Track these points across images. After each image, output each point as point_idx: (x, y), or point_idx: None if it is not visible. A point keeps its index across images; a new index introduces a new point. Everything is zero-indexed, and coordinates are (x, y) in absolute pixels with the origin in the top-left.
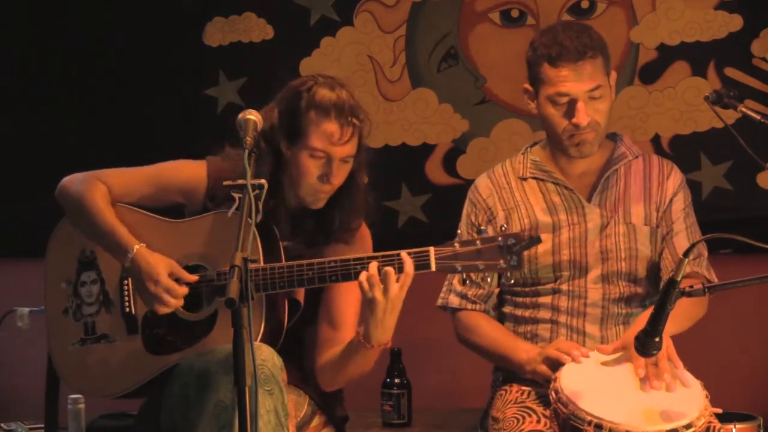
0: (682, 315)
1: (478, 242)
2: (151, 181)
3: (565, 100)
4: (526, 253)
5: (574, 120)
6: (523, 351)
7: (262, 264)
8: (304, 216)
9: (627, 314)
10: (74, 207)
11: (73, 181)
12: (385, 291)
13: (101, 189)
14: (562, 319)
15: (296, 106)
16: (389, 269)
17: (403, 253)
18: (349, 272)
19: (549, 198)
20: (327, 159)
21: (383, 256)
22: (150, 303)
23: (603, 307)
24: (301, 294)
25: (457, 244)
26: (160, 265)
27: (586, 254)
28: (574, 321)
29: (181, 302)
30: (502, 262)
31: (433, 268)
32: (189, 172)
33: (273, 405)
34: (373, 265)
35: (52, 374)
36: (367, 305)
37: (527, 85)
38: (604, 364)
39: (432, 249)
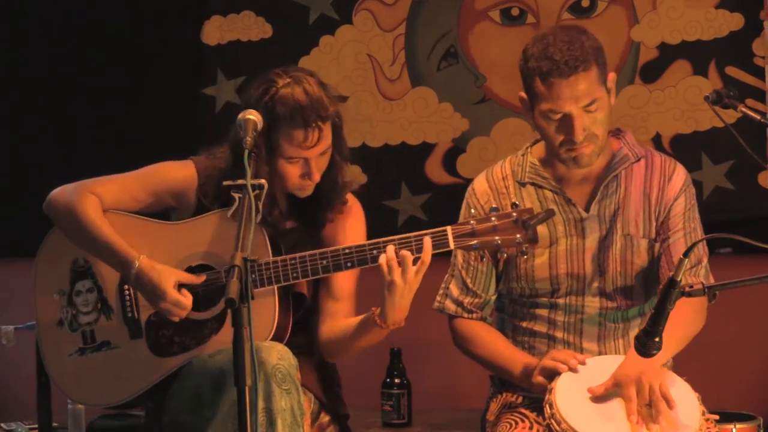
0: (677, 337)
1: (493, 218)
2: (141, 186)
3: (559, 116)
4: (522, 267)
5: (569, 137)
6: (521, 364)
7: (271, 258)
8: (294, 202)
9: (625, 327)
10: (66, 220)
11: (62, 193)
12: (403, 274)
13: (92, 200)
14: (559, 334)
15: (265, 122)
16: (406, 253)
17: (426, 240)
18: (365, 257)
19: (546, 206)
20: (304, 160)
21: (399, 239)
22: (162, 314)
23: (600, 324)
24: (304, 287)
25: (473, 221)
26: (165, 280)
27: (584, 267)
28: (571, 337)
29: (188, 310)
30: (518, 236)
31: (452, 246)
32: (179, 173)
33: (290, 404)
34: (391, 248)
35: (42, 378)
36: (386, 288)
37: (522, 94)
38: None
39: (449, 228)
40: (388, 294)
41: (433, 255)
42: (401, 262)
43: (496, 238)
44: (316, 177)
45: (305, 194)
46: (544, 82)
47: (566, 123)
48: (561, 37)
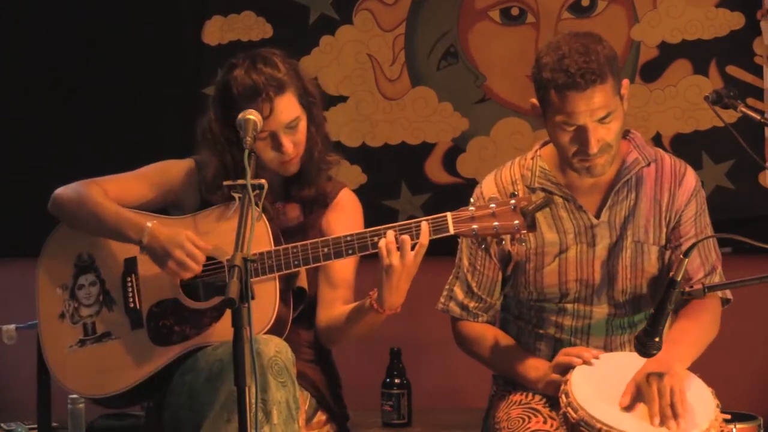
0: (699, 344)
1: (492, 205)
2: (144, 183)
3: (573, 128)
4: (531, 273)
5: (584, 149)
6: (533, 368)
7: (273, 247)
8: (285, 183)
9: (632, 333)
10: (73, 208)
11: (66, 188)
12: (402, 258)
13: (98, 188)
14: (565, 338)
15: (224, 108)
16: (406, 237)
17: (423, 224)
18: (365, 244)
19: (556, 213)
20: (270, 134)
21: (400, 226)
22: (174, 270)
23: (607, 329)
24: (304, 280)
25: (472, 208)
26: (181, 234)
27: (593, 273)
28: (577, 341)
29: (200, 268)
30: (517, 222)
31: (452, 231)
32: (180, 169)
33: (285, 397)
34: (391, 233)
35: (43, 376)
36: (384, 271)
37: (534, 101)
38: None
39: (449, 214)
40: (386, 277)
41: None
42: (400, 246)
43: (495, 223)
44: (288, 148)
45: (289, 170)
46: (559, 94)
47: (581, 135)
48: (576, 48)
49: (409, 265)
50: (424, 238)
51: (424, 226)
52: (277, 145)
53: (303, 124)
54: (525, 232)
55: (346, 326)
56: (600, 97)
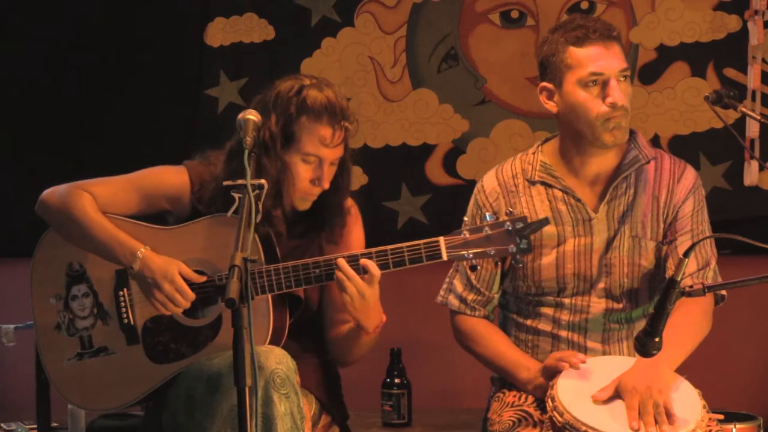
0: (688, 346)
1: (486, 228)
2: (135, 190)
3: (598, 79)
4: (529, 266)
5: (609, 100)
6: (525, 369)
7: (265, 266)
8: (295, 217)
9: (629, 328)
10: (62, 220)
11: (54, 193)
12: (360, 292)
13: (87, 198)
14: (563, 333)
15: (288, 113)
16: (352, 273)
17: (367, 261)
18: (357, 267)
19: (555, 206)
20: (318, 163)
21: (387, 249)
22: (161, 304)
23: (604, 324)
24: (300, 290)
25: (466, 232)
26: (172, 265)
27: (591, 267)
28: (575, 336)
29: (189, 304)
30: (511, 246)
31: (445, 257)
32: (173, 178)
33: (290, 408)
34: (340, 271)
35: (42, 377)
36: (348, 304)
37: (545, 84)
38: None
39: (442, 239)
40: (352, 309)
41: None
42: (352, 279)
43: (490, 248)
44: (326, 184)
45: (305, 206)
46: (581, 45)
47: (605, 89)
48: (587, 16)
49: (368, 296)
50: (373, 269)
51: (367, 261)
52: (320, 177)
53: (338, 164)
54: (520, 256)
55: (348, 348)
56: (618, 49)
